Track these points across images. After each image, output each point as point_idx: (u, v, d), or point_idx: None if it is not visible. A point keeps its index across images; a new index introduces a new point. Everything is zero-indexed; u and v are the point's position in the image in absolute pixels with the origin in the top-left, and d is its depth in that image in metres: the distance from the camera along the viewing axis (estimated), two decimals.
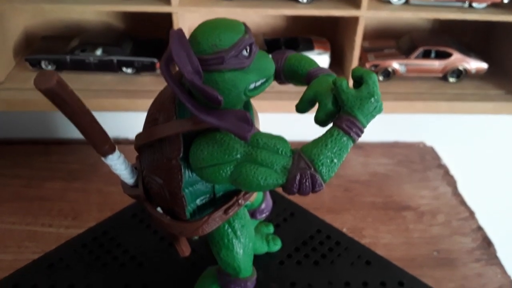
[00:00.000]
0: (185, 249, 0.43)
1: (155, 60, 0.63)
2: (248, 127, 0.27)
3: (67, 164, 0.74)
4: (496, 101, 0.63)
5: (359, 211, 0.70)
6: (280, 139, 0.29)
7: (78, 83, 0.63)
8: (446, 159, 0.80)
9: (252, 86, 0.29)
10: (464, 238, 0.67)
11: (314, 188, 0.28)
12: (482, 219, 0.69)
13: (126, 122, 0.73)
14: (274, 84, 0.34)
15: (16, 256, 0.57)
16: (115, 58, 0.63)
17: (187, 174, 0.31)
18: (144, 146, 0.33)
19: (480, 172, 0.87)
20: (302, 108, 0.31)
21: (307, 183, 0.28)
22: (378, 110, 0.29)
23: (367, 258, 0.48)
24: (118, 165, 0.33)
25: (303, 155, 0.28)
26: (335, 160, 0.28)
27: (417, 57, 0.66)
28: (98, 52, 0.63)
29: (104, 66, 0.65)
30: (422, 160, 0.80)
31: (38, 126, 0.79)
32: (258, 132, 0.29)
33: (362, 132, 0.29)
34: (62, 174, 0.72)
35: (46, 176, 0.71)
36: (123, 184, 0.36)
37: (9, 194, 0.68)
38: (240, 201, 0.34)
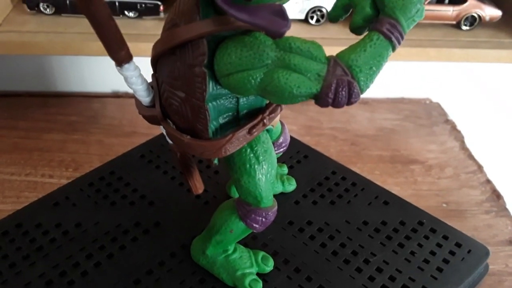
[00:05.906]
0: (198, 186, 0.41)
1: (159, 3, 0.61)
2: (284, 22, 0.24)
3: (65, 116, 0.71)
4: (510, 49, 0.61)
5: (366, 164, 0.69)
6: (314, 44, 0.27)
7: (78, 26, 0.60)
8: (452, 115, 0.79)
9: None
10: (473, 190, 0.66)
11: (350, 98, 0.26)
12: (491, 174, 0.68)
13: None
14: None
15: (15, 206, 0.54)
16: (117, 0, 0.60)
17: (211, 85, 0.29)
18: (163, 56, 0.30)
19: (488, 127, 0.86)
20: (335, 15, 0.29)
21: (344, 92, 0.26)
22: (420, 14, 0.27)
23: (385, 198, 0.46)
24: (134, 78, 0.30)
25: (340, 61, 0.26)
26: (374, 68, 0.26)
27: (430, 2, 0.63)
28: None
29: None
30: (429, 115, 0.78)
31: (35, 80, 0.77)
32: (291, 36, 0.27)
33: (402, 38, 0.27)
34: (61, 126, 0.69)
35: (45, 127, 0.69)
36: (138, 104, 0.33)
37: (6, 145, 0.65)
38: (265, 120, 0.32)
